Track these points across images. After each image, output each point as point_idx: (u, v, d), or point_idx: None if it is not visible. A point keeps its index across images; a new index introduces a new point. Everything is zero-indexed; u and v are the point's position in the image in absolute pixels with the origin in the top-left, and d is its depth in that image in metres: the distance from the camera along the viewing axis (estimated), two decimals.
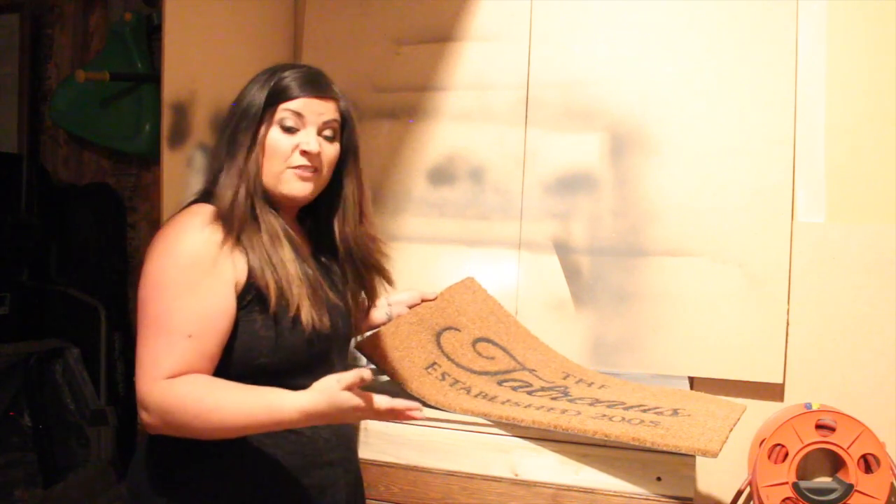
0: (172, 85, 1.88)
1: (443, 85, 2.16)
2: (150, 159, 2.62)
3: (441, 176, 2.15)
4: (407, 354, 1.57)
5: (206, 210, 1.15)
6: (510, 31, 2.10)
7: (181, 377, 1.06)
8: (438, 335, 1.67)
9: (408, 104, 2.18)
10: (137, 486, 1.19)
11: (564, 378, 1.73)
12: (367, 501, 1.48)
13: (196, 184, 1.94)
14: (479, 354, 1.71)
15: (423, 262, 2.14)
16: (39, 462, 2.43)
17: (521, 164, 2.08)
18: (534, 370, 1.73)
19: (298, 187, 1.21)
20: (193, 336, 1.07)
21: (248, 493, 1.14)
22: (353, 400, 1.03)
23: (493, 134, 2.10)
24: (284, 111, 1.19)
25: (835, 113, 1.92)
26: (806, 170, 1.93)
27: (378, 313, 1.63)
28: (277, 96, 1.19)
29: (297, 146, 1.19)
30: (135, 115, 2.59)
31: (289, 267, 1.15)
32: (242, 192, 1.15)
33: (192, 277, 1.08)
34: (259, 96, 1.19)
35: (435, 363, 1.61)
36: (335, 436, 1.24)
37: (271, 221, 1.17)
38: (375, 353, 1.55)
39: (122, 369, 2.66)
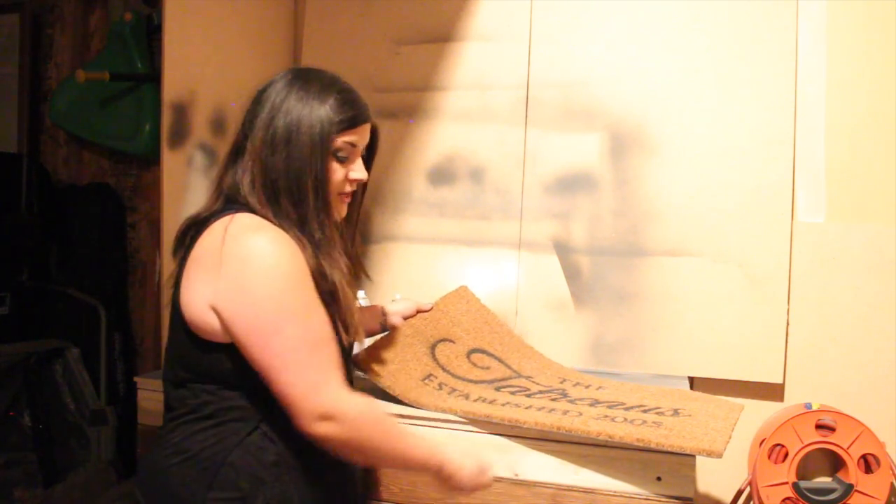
0: (172, 85, 1.88)
1: (443, 85, 2.16)
2: (150, 159, 2.62)
3: (441, 176, 2.15)
4: (403, 367, 1.58)
5: (267, 223, 1.14)
6: (510, 31, 2.10)
7: (365, 396, 1.13)
8: (433, 347, 1.67)
9: (408, 104, 2.18)
10: (157, 487, 1.18)
11: (561, 382, 1.73)
12: (368, 502, 1.48)
13: (196, 183, 1.95)
14: (475, 365, 1.71)
15: (423, 262, 2.15)
16: (39, 462, 2.43)
17: (521, 164, 2.08)
18: (530, 377, 1.73)
19: (342, 211, 1.26)
20: (334, 340, 1.13)
21: (270, 491, 1.13)
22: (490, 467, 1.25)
23: (493, 134, 2.11)
24: (343, 143, 1.20)
25: (835, 113, 1.92)
26: (806, 170, 1.94)
27: (374, 323, 1.63)
28: (340, 126, 1.19)
29: (347, 175, 1.22)
30: (135, 115, 2.59)
31: (349, 295, 1.19)
32: (331, 226, 1.19)
33: (303, 290, 1.11)
34: (321, 120, 1.17)
35: (431, 374, 1.61)
36: None
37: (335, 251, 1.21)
38: (371, 365, 1.55)
39: (122, 369, 2.66)
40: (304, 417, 1.07)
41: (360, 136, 1.23)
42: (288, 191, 1.16)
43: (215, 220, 1.15)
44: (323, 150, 1.17)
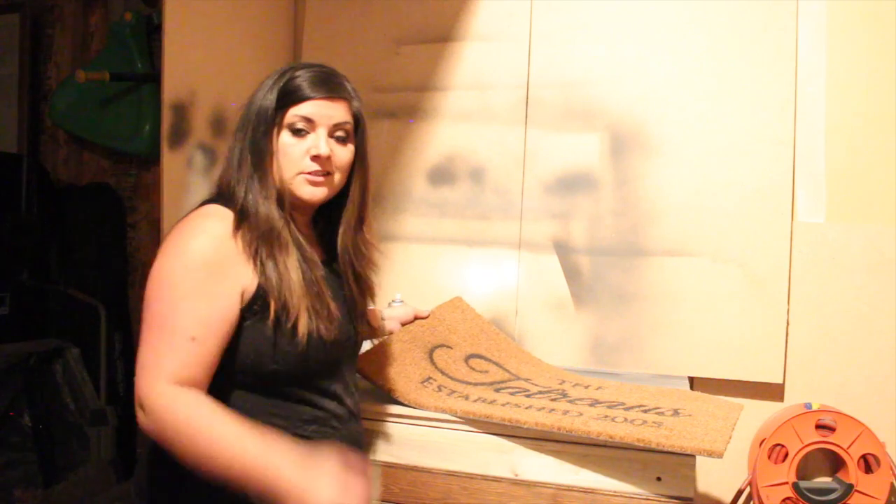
0: (172, 85, 1.88)
1: (443, 85, 2.16)
2: (150, 159, 2.62)
3: (441, 176, 2.15)
4: (402, 370, 1.58)
5: (221, 212, 1.14)
6: (510, 31, 2.10)
7: (188, 392, 1.04)
8: (431, 352, 1.68)
9: (408, 104, 2.18)
10: (143, 485, 1.19)
11: (561, 384, 1.73)
12: None
13: (196, 183, 1.96)
14: (473, 369, 1.71)
15: (423, 262, 2.15)
16: (39, 462, 2.42)
17: (521, 164, 2.08)
18: (528, 379, 1.73)
19: (309, 192, 1.19)
20: (196, 339, 1.06)
21: (253, 498, 1.13)
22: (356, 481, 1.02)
23: (493, 134, 2.11)
24: (294, 115, 1.17)
25: (835, 113, 1.92)
26: (806, 170, 1.94)
27: (371, 328, 1.62)
28: (287, 99, 1.17)
29: (307, 151, 1.17)
30: (135, 115, 2.59)
31: (292, 275, 1.13)
32: (275, 203, 1.15)
33: (200, 279, 1.07)
34: (270, 98, 1.17)
35: (430, 377, 1.61)
36: (344, 442, 1.22)
37: (281, 227, 1.16)
38: (370, 369, 1.56)
39: (122, 369, 2.66)
40: (136, 398, 1.05)
41: (318, 111, 1.18)
42: (236, 167, 1.17)
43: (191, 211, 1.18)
44: (263, 121, 1.17)
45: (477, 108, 2.13)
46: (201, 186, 1.95)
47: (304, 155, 1.18)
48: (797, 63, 1.92)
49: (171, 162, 1.91)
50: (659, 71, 1.99)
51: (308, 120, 1.18)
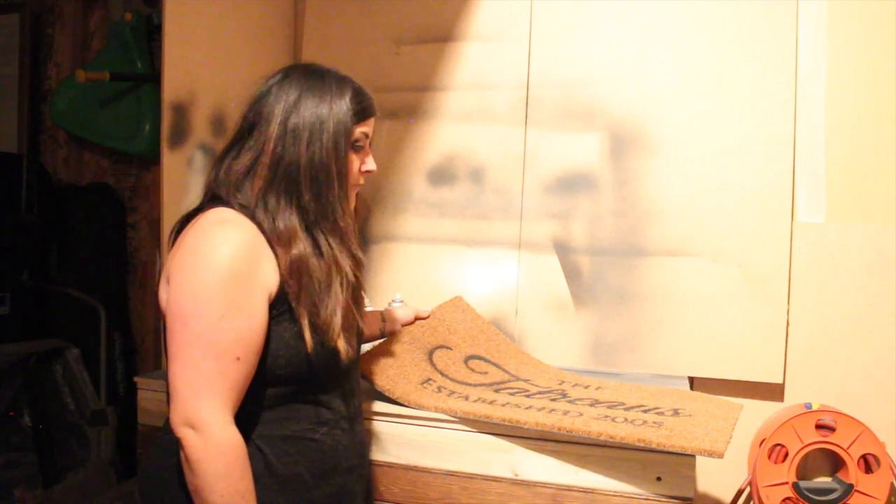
0: (172, 85, 1.88)
1: (443, 85, 2.16)
2: (150, 159, 2.62)
3: (441, 176, 2.15)
4: (401, 372, 1.58)
5: (243, 222, 1.13)
6: (510, 31, 2.10)
7: (242, 442, 1.07)
8: (430, 353, 1.68)
9: (408, 104, 2.18)
10: (153, 489, 1.18)
11: (560, 384, 1.73)
12: None
13: (196, 183, 1.95)
14: (472, 370, 1.71)
15: (423, 262, 2.15)
16: (39, 462, 2.42)
17: (521, 164, 2.08)
18: (528, 380, 1.73)
19: (353, 203, 1.26)
20: (241, 360, 1.07)
21: (268, 500, 1.12)
22: None
23: (493, 134, 2.11)
24: (360, 133, 1.21)
25: (835, 113, 1.93)
26: (806, 170, 1.94)
27: (372, 329, 1.63)
28: (359, 116, 1.21)
29: (360, 167, 1.23)
30: (135, 115, 2.59)
31: (339, 299, 1.16)
32: (351, 216, 1.20)
33: (235, 293, 1.07)
34: (344, 112, 1.18)
35: (430, 378, 1.61)
36: (353, 443, 1.24)
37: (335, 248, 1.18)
38: (370, 370, 1.56)
39: (122, 369, 2.66)
40: (175, 413, 1.05)
41: (371, 127, 1.25)
42: (312, 182, 1.15)
43: (198, 217, 1.15)
44: (346, 141, 1.19)
45: (477, 108, 2.13)
46: (201, 186, 1.95)
47: (359, 171, 1.24)
48: (797, 63, 1.92)
49: (171, 162, 1.91)
50: (659, 71, 1.99)
51: (367, 136, 1.23)
